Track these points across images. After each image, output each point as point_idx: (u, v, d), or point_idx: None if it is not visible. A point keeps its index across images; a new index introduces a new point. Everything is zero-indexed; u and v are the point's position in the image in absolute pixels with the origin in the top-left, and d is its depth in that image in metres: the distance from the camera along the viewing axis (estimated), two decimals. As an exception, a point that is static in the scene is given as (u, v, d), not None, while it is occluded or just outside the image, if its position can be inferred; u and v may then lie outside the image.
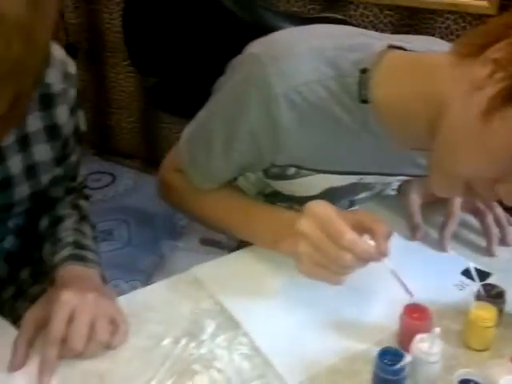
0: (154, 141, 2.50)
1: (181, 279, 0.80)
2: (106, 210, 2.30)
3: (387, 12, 1.82)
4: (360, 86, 0.72)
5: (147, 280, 1.83)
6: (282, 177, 0.83)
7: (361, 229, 0.68)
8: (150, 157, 2.53)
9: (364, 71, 0.72)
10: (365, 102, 0.73)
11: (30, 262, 0.92)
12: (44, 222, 0.87)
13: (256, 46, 0.78)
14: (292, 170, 0.82)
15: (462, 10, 1.70)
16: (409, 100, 0.71)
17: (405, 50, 0.75)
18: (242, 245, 0.93)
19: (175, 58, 1.38)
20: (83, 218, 0.89)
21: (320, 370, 0.66)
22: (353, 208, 0.96)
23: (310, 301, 0.75)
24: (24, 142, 0.76)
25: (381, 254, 0.67)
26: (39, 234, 0.87)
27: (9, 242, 0.89)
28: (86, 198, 0.95)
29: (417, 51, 0.75)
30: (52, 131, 0.79)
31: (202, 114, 0.84)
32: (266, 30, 1.16)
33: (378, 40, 0.76)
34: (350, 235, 0.65)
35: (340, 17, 1.48)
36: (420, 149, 0.75)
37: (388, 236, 0.68)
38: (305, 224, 0.68)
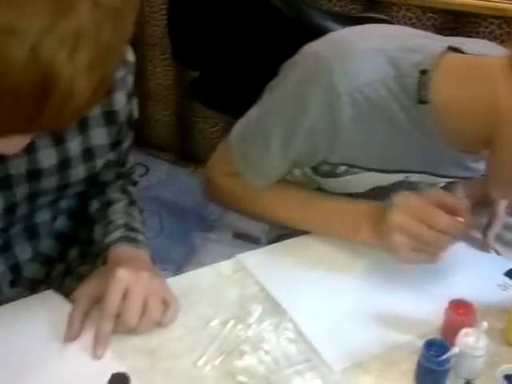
0: (189, 134, 2.52)
1: (226, 266, 0.82)
2: (138, 201, 2.32)
3: (430, 14, 1.81)
4: (419, 86, 0.73)
5: (177, 270, 1.86)
6: (332, 174, 0.84)
7: (442, 207, 0.73)
8: (183, 150, 2.55)
9: (424, 72, 0.73)
10: (423, 102, 0.74)
11: (78, 241, 0.95)
12: (94, 205, 0.90)
13: (318, 46, 0.79)
14: (342, 168, 0.83)
15: (507, 15, 1.69)
16: (467, 103, 0.72)
17: (461, 52, 0.76)
18: (281, 238, 0.95)
19: (219, 52, 1.39)
20: (132, 202, 0.91)
21: (364, 359, 0.68)
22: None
23: (354, 291, 0.77)
24: (83, 126, 0.79)
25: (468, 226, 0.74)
26: (89, 216, 0.90)
27: (61, 223, 0.91)
28: (134, 183, 0.98)
29: (474, 54, 0.75)
30: (109, 116, 0.81)
31: (254, 113, 0.85)
32: (309, 27, 1.16)
33: (433, 41, 0.77)
34: (443, 217, 0.71)
35: (384, 17, 1.49)
36: (472, 151, 0.76)
37: (469, 210, 0.76)
38: (398, 216, 0.74)
